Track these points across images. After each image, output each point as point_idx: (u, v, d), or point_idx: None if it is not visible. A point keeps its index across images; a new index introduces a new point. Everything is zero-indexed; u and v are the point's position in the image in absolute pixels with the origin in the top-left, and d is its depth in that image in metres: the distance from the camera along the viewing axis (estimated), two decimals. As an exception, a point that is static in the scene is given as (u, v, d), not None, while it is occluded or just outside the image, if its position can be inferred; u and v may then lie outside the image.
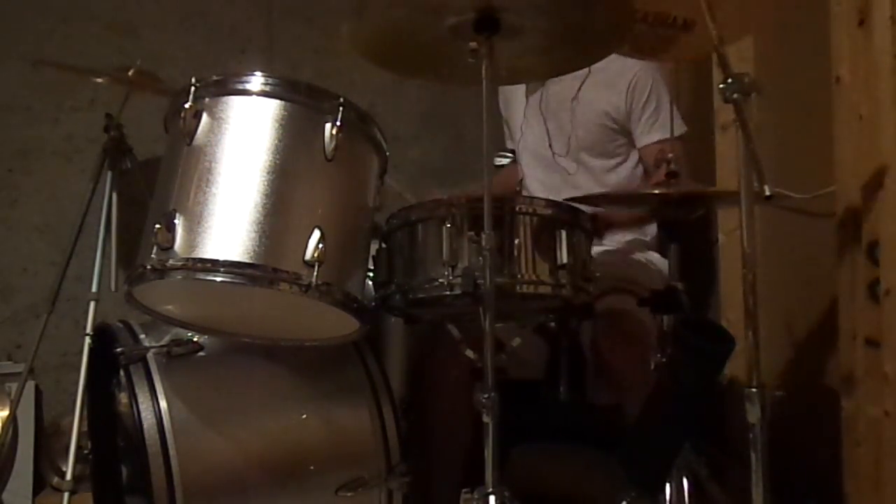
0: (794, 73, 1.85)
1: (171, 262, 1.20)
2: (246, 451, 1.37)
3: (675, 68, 2.44)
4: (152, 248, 1.20)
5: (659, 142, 1.89)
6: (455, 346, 1.43)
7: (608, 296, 1.64)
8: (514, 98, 2.08)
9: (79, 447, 1.89)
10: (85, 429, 1.81)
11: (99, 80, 2.03)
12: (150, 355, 1.37)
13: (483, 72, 1.27)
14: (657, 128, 1.90)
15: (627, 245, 1.96)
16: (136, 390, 1.33)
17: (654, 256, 1.94)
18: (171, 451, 1.29)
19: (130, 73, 2.03)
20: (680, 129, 1.91)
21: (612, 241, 1.93)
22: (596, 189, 1.91)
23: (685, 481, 1.41)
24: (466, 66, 1.26)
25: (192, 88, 1.27)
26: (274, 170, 1.24)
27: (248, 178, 1.23)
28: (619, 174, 1.97)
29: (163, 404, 1.32)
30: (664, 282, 1.86)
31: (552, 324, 1.76)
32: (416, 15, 1.31)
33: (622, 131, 1.93)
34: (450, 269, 1.30)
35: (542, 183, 2.02)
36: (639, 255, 1.95)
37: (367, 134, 1.37)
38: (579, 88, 1.91)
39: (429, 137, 2.79)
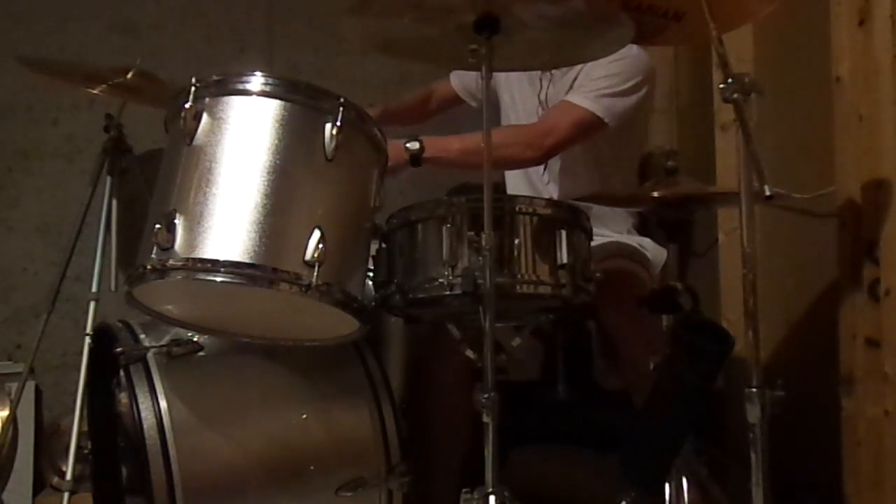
0: (794, 73, 1.85)
1: (171, 262, 1.20)
2: (246, 451, 1.37)
3: (674, 69, 2.45)
4: (152, 248, 1.20)
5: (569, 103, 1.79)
6: (455, 346, 1.43)
7: (603, 261, 1.64)
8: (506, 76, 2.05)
9: (79, 447, 1.88)
10: (85, 429, 1.81)
11: (95, 91, 2.02)
12: (150, 355, 1.37)
13: (483, 72, 1.28)
14: (579, 94, 1.79)
15: (619, 232, 1.97)
16: (136, 390, 1.33)
17: (646, 241, 1.95)
18: (171, 451, 1.29)
19: (129, 74, 2.02)
20: (600, 109, 1.77)
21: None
22: (581, 177, 1.92)
23: (685, 481, 1.41)
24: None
25: (193, 88, 1.27)
26: (274, 170, 1.24)
27: (248, 178, 1.23)
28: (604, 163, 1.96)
29: (163, 404, 1.32)
30: (655, 265, 1.88)
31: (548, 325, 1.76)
32: (419, 16, 1.31)
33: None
34: (450, 269, 1.31)
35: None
36: (631, 239, 1.96)
37: (367, 134, 1.37)
38: (569, 87, 1.89)
39: (426, 134, 2.78)
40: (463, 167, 1.68)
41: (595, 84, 1.78)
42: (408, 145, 1.61)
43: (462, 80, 2.14)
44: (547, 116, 1.84)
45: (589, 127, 1.77)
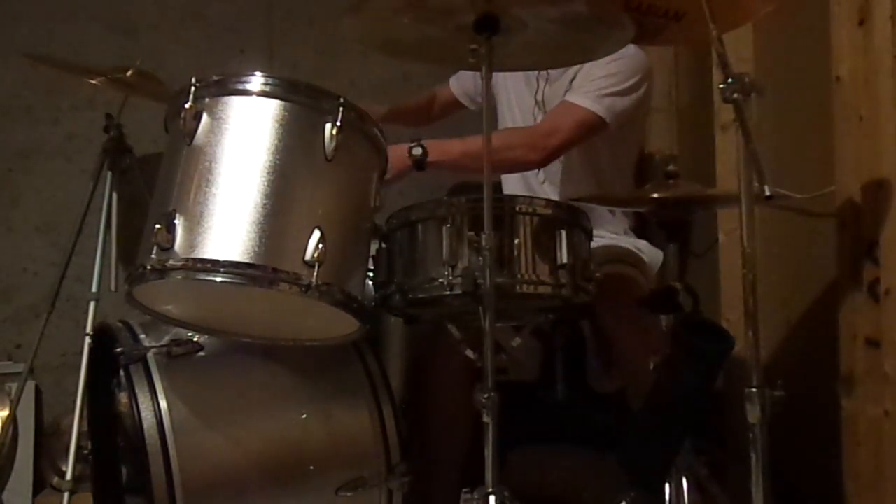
0: (794, 73, 1.85)
1: (171, 262, 1.20)
2: (246, 451, 1.37)
3: (674, 69, 2.45)
4: (152, 248, 1.20)
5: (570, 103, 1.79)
6: (455, 346, 1.43)
7: (601, 266, 1.64)
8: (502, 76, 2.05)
9: (79, 447, 1.89)
10: (85, 429, 1.81)
11: (94, 81, 2.03)
12: (150, 355, 1.37)
13: (483, 72, 1.28)
14: (579, 94, 1.80)
15: (616, 234, 1.98)
16: (136, 390, 1.33)
17: (642, 244, 1.95)
18: (171, 451, 1.29)
19: (129, 73, 2.03)
20: (601, 109, 1.77)
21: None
22: (578, 177, 1.92)
23: (685, 481, 1.41)
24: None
25: (192, 88, 1.27)
26: (274, 170, 1.24)
27: (248, 178, 1.23)
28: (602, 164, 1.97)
29: (163, 404, 1.32)
30: (651, 267, 1.88)
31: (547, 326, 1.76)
32: (419, 16, 1.32)
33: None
34: (450, 269, 1.31)
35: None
36: (627, 242, 1.96)
37: (367, 134, 1.37)
38: (567, 88, 1.88)
39: (429, 137, 2.78)
40: (466, 170, 1.68)
41: (595, 84, 1.78)
42: (412, 150, 1.61)
43: (461, 85, 2.15)
44: (549, 118, 1.84)
45: (591, 127, 1.77)
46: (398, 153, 1.58)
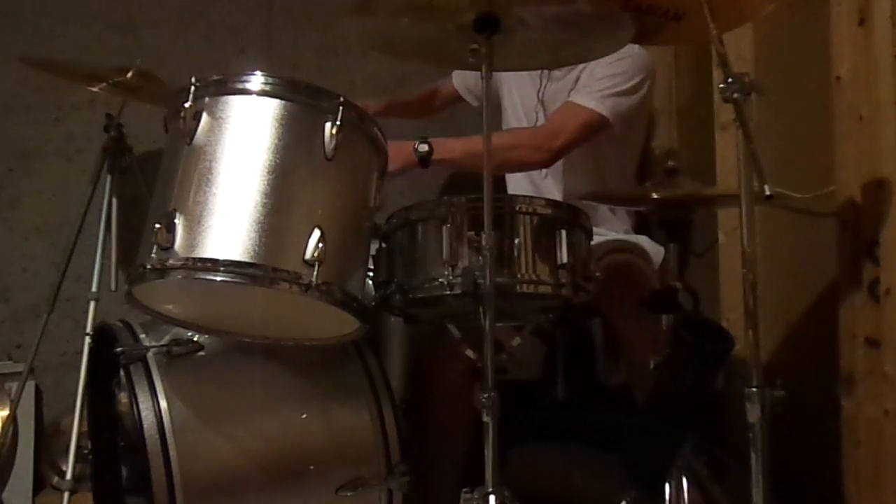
0: (794, 73, 1.85)
1: (171, 261, 1.20)
2: (246, 451, 1.37)
3: (674, 69, 2.45)
4: (152, 248, 1.20)
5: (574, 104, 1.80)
6: (455, 346, 1.43)
7: (605, 257, 1.64)
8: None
9: (79, 447, 1.89)
10: (85, 429, 1.81)
11: (95, 89, 2.03)
12: (150, 355, 1.37)
13: (483, 72, 1.28)
14: (584, 94, 1.80)
15: (617, 233, 1.98)
16: (136, 390, 1.33)
17: (643, 239, 1.96)
18: (171, 451, 1.29)
19: (129, 73, 2.02)
20: (605, 109, 1.78)
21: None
22: (581, 175, 1.93)
23: (685, 481, 1.41)
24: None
25: (192, 88, 1.27)
26: (274, 169, 1.24)
27: (248, 177, 1.23)
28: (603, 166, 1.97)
29: (163, 404, 1.32)
30: (654, 262, 1.89)
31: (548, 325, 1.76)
32: (418, 16, 1.32)
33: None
34: (450, 269, 1.31)
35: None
36: (629, 237, 1.97)
37: (367, 133, 1.37)
38: (572, 87, 1.89)
39: (431, 133, 2.78)
40: (470, 169, 1.68)
41: (599, 84, 1.78)
42: (417, 147, 1.62)
43: (463, 80, 2.15)
44: (553, 118, 1.84)
45: (595, 128, 1.78)
46: (404, 149, 1.59)
